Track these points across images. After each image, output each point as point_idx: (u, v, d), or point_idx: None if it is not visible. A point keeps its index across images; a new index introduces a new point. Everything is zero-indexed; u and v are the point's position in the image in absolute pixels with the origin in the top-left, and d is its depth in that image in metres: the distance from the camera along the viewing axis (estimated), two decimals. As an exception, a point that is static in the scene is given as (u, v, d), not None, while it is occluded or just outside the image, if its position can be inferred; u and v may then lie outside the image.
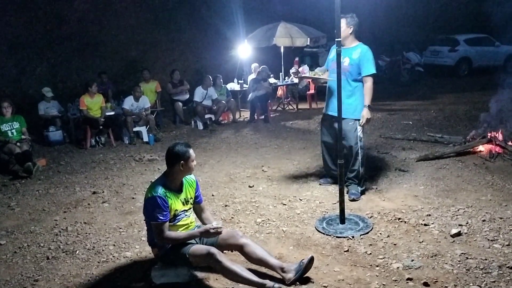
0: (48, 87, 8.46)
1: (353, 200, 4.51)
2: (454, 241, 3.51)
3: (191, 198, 3.18)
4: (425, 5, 17.90)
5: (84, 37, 11.34)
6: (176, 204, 3.03)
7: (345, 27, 4.39)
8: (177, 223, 3.08)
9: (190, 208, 3.21)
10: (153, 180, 3.23)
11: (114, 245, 3.81)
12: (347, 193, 4.56)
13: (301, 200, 4.64)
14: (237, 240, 3.08)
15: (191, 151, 3.03)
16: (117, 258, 3.57)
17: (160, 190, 2.94)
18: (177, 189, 3.08)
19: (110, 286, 3.17)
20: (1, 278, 3.34)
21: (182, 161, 2.98)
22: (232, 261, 2.94)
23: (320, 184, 5.04)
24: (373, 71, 4.47)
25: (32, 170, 6.03)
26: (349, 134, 4.50)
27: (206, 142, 7.76)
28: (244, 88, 10.41)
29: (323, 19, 13.15)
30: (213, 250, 2.87)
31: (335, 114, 4.10)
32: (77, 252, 3.70)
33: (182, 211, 3.10)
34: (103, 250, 3.72)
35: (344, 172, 4.29)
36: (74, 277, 3.30)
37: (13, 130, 6.53)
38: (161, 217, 2.90)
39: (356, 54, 4.44)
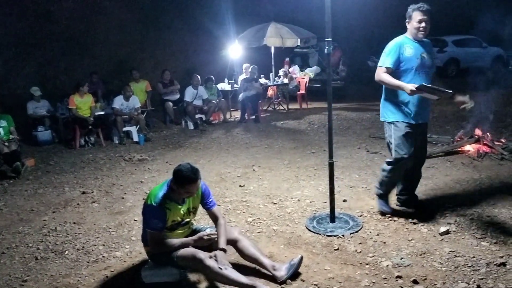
0: (36, 87, 8.38)
1: None
2: (442, 239, 3.55)
3: (194, 208, 3.09)
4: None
5: (72, 36, 11.21)
6: (175, 214, 2.94)
7: None
8: (175, 232, 3.01)
9: (192, 219, 3.14)
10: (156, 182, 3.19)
11: (104, 245, 3.79)
12: None
13: (291, 199, 4.66)
14: (232, 234, 3.07)
15: (188, 184, 2.80)
16: (107, 258, 3.55)
17: (160, 200, 2.84)
18: (180, 200, 2.96)
19: (100, 286, 3.15)
20: (-12, 278, 3.31)
21: (173, 183, 2.84)
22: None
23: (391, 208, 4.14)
24: None
25: (20, 170, 5.97)
26: None
27: (197, 142, 7.75)
28: (235, 88, 10.42)
29: (314, 19, 13.19)
30: (201, 254, 2.80)
31: None
32: (66, 252, 3.67)
33: (183, 221, 3.02)
34: (92, 250, 3.70)
35: None
36: (64, 277, 3.27)
37: (0, 129, 6.45)
38: (156, 227, 2.85)
39: None
